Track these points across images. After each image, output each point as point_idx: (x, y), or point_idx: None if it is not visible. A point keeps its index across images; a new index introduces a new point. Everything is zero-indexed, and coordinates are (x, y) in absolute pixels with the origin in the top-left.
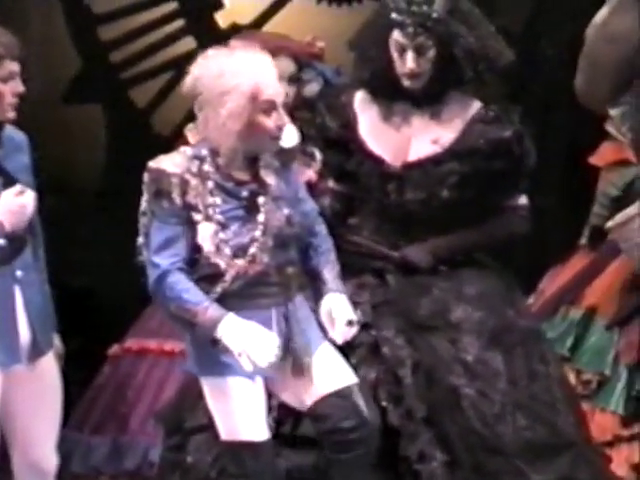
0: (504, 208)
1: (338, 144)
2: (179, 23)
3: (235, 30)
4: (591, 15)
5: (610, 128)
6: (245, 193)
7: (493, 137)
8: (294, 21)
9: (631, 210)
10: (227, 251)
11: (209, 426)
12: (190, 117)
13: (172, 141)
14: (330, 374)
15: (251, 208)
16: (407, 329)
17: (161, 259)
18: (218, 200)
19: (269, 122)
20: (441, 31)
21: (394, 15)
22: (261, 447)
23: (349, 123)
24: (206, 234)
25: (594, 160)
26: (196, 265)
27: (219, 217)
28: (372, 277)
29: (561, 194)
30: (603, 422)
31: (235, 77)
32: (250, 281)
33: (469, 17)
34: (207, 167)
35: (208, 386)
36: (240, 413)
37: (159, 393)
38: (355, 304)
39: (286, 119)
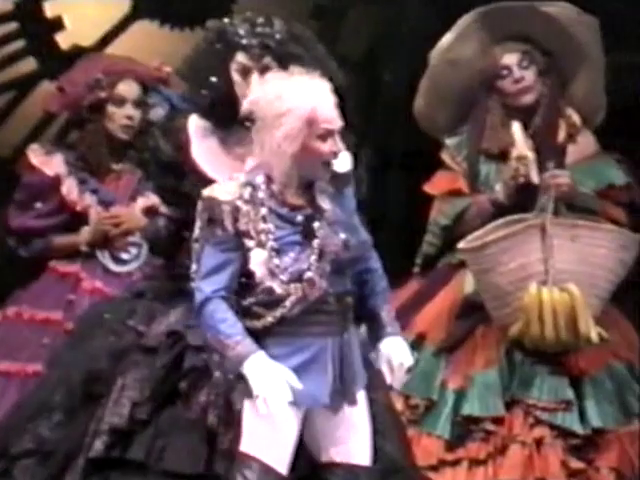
0: None
1: (172, 167)
2: (19, 44)
3: (77, 52)
4: (433, 42)
5: (445, 157)
6: (300, 218)
7: None
8: (137, 44)
9: (486, 235)
10: (283, 277)
11: (36, 451)
12: (31, 138)
13: (12, 163)
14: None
15: (307, 233)
16: None
17: (206, 285)
18: (272, 226)
19: (324, 147)
20: (284, 52)
21: (237, 38)
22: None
23: (182, 147)
24: (258, 260)
25: (428, 188)
26: (250, 291)
27: (273, 243)
28: None
29: (397, 222)
30: (429, 446)
31: (293, 100)
32: (309, 308)
33: (304, 39)
34: (261, 194)
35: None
36: (282, 443)
37: None
38: (187, 327)
39: (341, 146)
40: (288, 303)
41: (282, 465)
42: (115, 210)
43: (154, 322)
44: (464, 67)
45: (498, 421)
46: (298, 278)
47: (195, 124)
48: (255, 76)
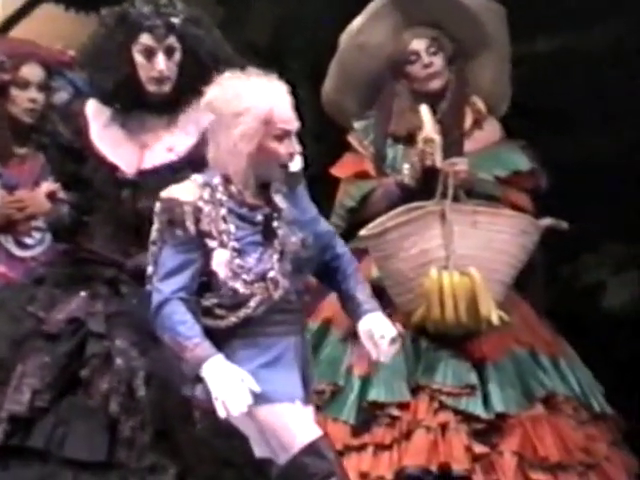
0: None
1: (71, 151)
2: None
3: None
4: (339, 27)
5: (352, 140)
6: (260, 217)
7: None
8: (41, 28)
9: (387, 222)
10: (246, 277)
11: None
12: None
13: None
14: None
15: (267, 233)
16: (141, 340)
17: (165, 286)
18: (232, 226)
19: (281, 148)
20: (187, 33)
21: (142, 19)
22: (320, 442)
23: (81, 130)
24: (221, 260)
25: (335, 171)
26: (213, 291)
27: (234, 244)
28: (105, 287)
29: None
30: (334, 432)
31: (250, 99)
32: (273, 307)
33: (203, 22)
34: (219, 195)
35: (262, 414)
36: (294, 423)
37: None
38: (88, 314)
39: (297, 147)
40: (252, 303)
41: (306, 434)
42: (19, 194)
43: (54, 309)
44: (373, 51)
45: (403, 406)
46: (262, 278)
47: (93, 108)
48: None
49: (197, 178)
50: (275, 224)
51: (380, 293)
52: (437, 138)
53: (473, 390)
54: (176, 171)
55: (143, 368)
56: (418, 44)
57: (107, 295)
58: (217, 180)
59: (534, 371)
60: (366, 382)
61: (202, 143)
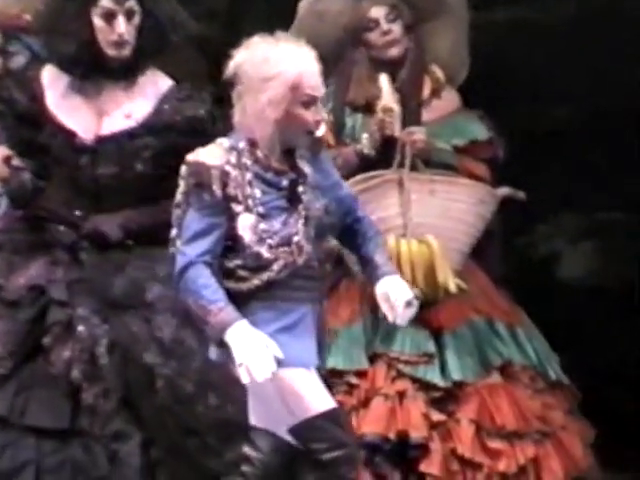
0: None
1: (28, 118)
2: None
3: None
4: None
5: None
6: (285, 183)
7: (188, 114)
8: None
9: None
10: (271, 241)
11: None
12: None
13: None
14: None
15: (292, 198)
16: (102, 308)
17: (191, 249)
18: (257, 191)
19: (307, 115)
20: None
21: None
22: (337, 411)
23: (37, 97)
24: (246, 225)
25: None
26: (236, 253)
27: (260, 208)
28: (65, 253)
29: None
30: None
31: (279, 65)
32: (295, 272)
33: None
34: (245, 159)
35: (277, 377)
36: (309, 391)
37: None
38: (49, 282)
39: (323, 114)
40: (276, 267)
41: (323, 402)
42: None
43: (13, 275)
44: (332, 19)
45: (361, 374)
46: (287, 242)
47: (49, 74)
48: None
49: (223, 142)
50: (300, 189)
51: (339, 260)
52: (396, 107)
53: (431, 358)
54: (135, 137)
55: (105, 336)
56: (377, 11)
57: (67, 262)
58: (243, 144)
59: (491, 340)
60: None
61: (161, 109)
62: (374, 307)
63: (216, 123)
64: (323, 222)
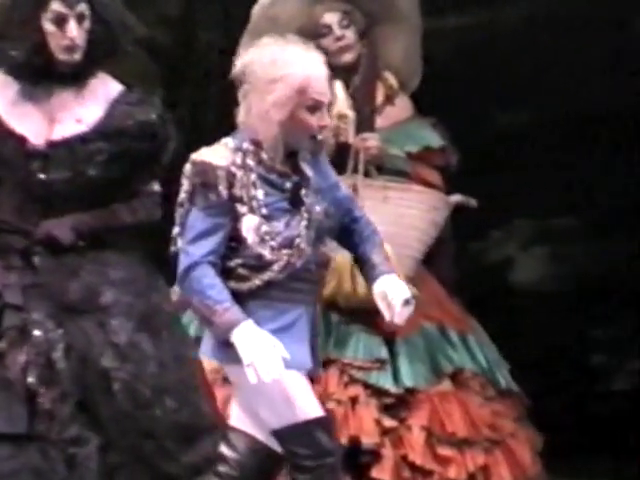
0: (141, 192)
1: None
2: None
3: None
4: (251, 1)
5: None
6: (289, 185)
7: (140, 119)
8: None
9: None
10: (273, 243)
11: None
12: None
13: None
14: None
15: (294, 200)
16: (58, 312)
17: (195, 249)
18: (261, 192)
19: (312, 120)
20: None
21: None
22: (326, 419)
23: None
24: (250, 226)
25: None
26: (238, 254)
27: (263, 210)
28: (18, 259)
29: None
30: None
31: (287, 67)
32: (293, 274)
33: None
34: (249, 160)
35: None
36: (298, 391)
37: None
38: (4, 286)
39: (328, 120)
40: (276, 267)
41: (313, 408)
42: None
43: None
44: (285, 24)
45: (314, 380)
46: (289, 244)
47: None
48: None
49: (228, 142)
50: (303, 192)
51: None
52: (350, 114)
53: (383, 364)
54: (87, 142)
55: (61, 340)
56: (330, 17)
57: (21, 267)
58: (247, 145)
59: (443, 347)
60: None
61: (112, 113)
62: (326, 311)
63: (167, 127)
64: (323, 225)
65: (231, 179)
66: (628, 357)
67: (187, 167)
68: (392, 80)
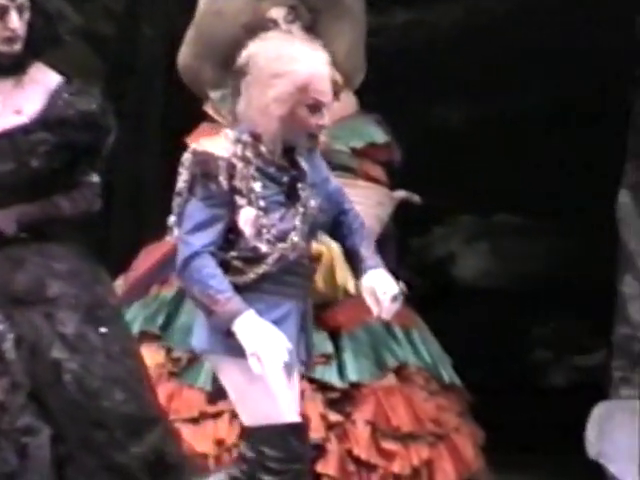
0: (81, 183)
1: None
2: None
3: None
4: None
5: (209, 109)
6: (286, 179)
7: (81, 108)
8: None
9: None
10: (269, 236)
11: None
12: None
13: None
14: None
15: (290, 194)
16: (5, 304)
17: (195, 239)
18: (259, 185)
19: (311, 118)
20: None
21: None
22: (302, 426)
23: None
24: (248, 218)
25: (192, 141)
26: (234, 245)
27: (261, 202)
28: None
29: (160, 174)
30: (191, 399)
31: (291, 64)
32: (287, 267)
33: None
34: (249, 152)
35: (235, 368)
36: (279, 394)
37: None
38: None
39: (327, 120)
40: (270, 260)
41: (290, 414)
42: None
43: None
44: (230, 18)
45: (303, 376)
46: (283, 238)
47: None
48: None
49: (228, 133)
50: (299, 186)
51: None
52: None
53: (328, 359)
54: (29, 133)
55: (11, 331)
56: (276, 12)
57: None
58: (246, 137)
59: (387, 342)
60: None
61: (53, 103)
62: None
63: (107, 118)
64: (317, 220)
65: (231, 171)
66: (568, 353)
67: (186, 157)
68: (337, 76)
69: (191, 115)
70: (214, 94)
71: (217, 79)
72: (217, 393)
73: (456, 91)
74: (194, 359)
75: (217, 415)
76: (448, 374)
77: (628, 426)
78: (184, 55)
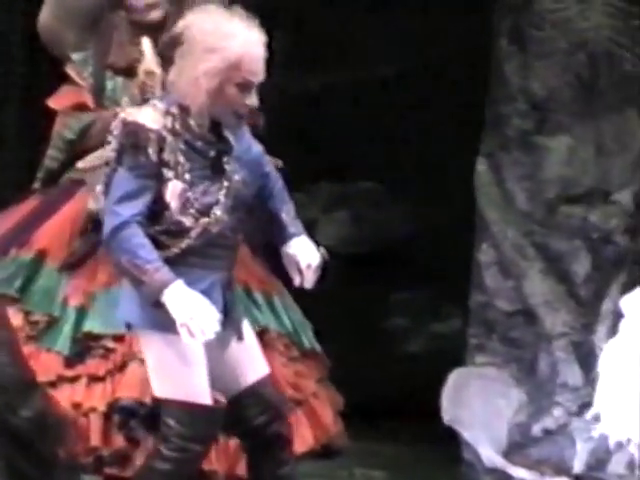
0: None
1: None
2: None
3: None
4: None
5: (71, 71)
6: (213, 153)
7: None
8: None
9: (104, 154)
10: (193, 210)
11: None
12: None
13: None
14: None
15: (216, 168)
16: None
17: (123, 209)
18: (186, 159)
19: (239, 97)
20: None
21: None
22: (214, 413)
23: None
24: (175, 191)
25: (52, 103)
26: (158, 219)
27: (187, 176)
28: None
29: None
30: (48, 362)
31: (226, 40)
32: (210, 240)
33: None
34: (178, 125)
35: (158, 341)
36: (196, 375)
37: None
38: None
39: (255, 100)
40: (193, 234)
41: (205, 396)
42: None
43: None
44: None
45: (118, 339)
46: (206, 212)
47: None
48: None
49: (157, 104)
50: (224, 160)
51: (97, 225)
52: (157, 71)
53: None
54: None
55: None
56: None
57: None
58: (175, 110)
59: (248, 307)
60: (82, 313)
61: None
62: None
63: None
64: (241, 194)
65: (162, 143)
66: (426, 320)
67: (116, 125)
68: None
69: (52, 76)
70: (76, 56)
71: (79, 41)
72: (76, 357)
73: (315, 57)
74: (52, 322)
75: (74, 379)
76: (308, 340)
77: (481, 393)
78: (44, 17)
